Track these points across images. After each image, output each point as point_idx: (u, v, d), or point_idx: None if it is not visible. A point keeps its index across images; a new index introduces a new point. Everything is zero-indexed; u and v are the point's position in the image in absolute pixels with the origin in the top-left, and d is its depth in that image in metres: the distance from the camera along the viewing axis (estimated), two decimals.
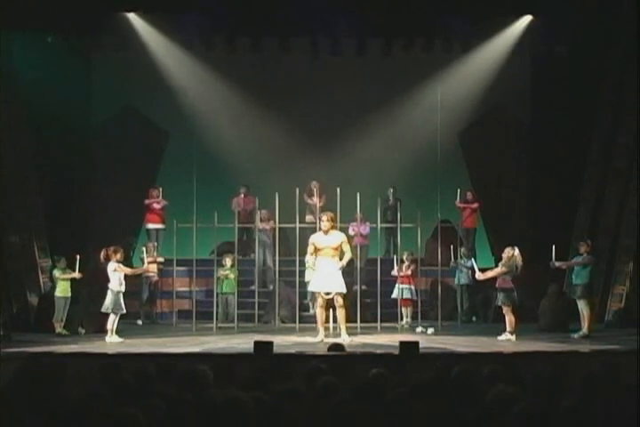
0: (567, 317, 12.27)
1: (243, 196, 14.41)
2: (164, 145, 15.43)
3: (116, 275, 11.27)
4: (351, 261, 11.76)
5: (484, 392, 4.87)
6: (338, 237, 11.21)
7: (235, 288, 13.19)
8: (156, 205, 14.24)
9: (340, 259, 11.14)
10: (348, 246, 11.25)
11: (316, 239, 11.24)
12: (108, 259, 11.35)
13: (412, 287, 13.06)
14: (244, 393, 4.74)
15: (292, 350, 9.48)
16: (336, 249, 11.12)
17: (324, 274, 11.06)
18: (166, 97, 14.52)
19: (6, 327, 11.28)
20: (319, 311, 11.22)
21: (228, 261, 13.26)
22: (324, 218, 11.24)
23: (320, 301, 11.17)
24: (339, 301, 11.10)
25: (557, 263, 11.80)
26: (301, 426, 4.65)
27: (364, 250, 13.99)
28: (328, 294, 11.10)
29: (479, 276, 11.68)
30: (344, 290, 11.23)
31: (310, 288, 11.61)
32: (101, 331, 11.41)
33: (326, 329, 11.50)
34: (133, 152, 14.98)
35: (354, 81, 15.10)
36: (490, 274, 11.64)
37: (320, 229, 11.38)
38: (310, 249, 11.24)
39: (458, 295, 13.56)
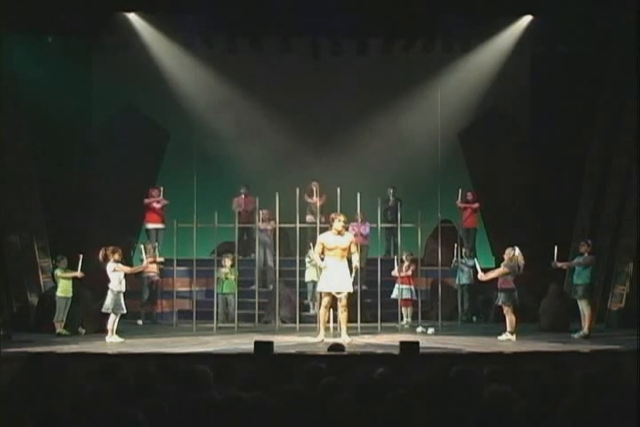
0: (567, 317, 12.27)
1: (243, 196, 14.41)
2: (165, 145, 15.44)
3: (116, 275, 11.24)
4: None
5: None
6: (348, 238, 11.14)
7: (235, 288, 13.19)
8: (156, 205, 14.22)
9: (348, 259, 11.09)
10: (355, 247, 11.23)
11: (325, 239, 11.12)
12: (106, 259, 11.33)
13: (412, 287, 13.07)
14: (244, 393, 4.74)
15: (293, 350, 9.47)
16: (345, 250, 11.05)
17: (335, 275, 10.97)
18: (166, 97, 14.55)
19: (6, 327, 11.27)
20: (323, 312, 11.18)
21: (228, 262, 13.25)
22: (341, 218, 11.13)
23: (325, 301, 11.12)
24: (343, 301, 11.04)
25: (559, 264, 11.80)
26: (301, 426, 4.65)
27: (365, 250, 13.96)
28: (339, 293, 11.00)
29: (481, 277, 11.66)
30: (352, 290, 11.23)
31: (320, 289, 11.31)
32: (101, 331, 11.40)
33: (327, 329, 11.47)
34: (133, 152, 14.98)
35: (354, 81, 15.11)
36: (492, 275, 11.62)
37: (331, 229, 11.17)
38: (319, 249, 11.15)
39: (458, 295, 13.55)
